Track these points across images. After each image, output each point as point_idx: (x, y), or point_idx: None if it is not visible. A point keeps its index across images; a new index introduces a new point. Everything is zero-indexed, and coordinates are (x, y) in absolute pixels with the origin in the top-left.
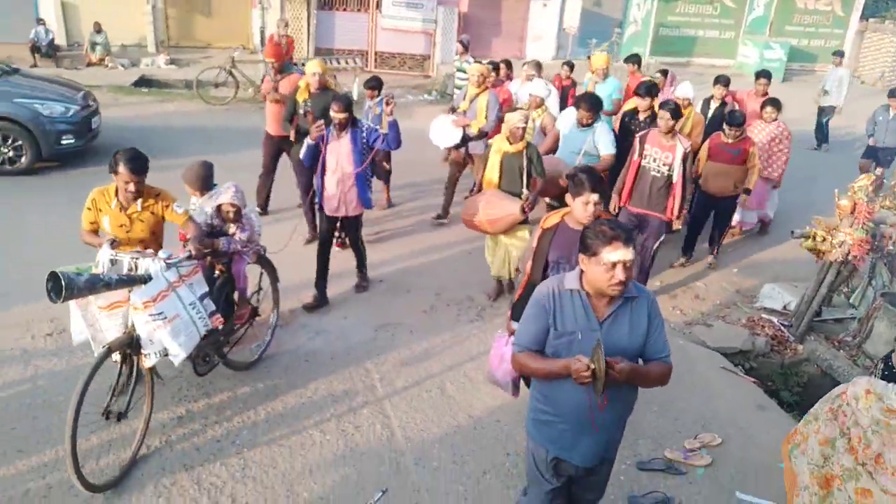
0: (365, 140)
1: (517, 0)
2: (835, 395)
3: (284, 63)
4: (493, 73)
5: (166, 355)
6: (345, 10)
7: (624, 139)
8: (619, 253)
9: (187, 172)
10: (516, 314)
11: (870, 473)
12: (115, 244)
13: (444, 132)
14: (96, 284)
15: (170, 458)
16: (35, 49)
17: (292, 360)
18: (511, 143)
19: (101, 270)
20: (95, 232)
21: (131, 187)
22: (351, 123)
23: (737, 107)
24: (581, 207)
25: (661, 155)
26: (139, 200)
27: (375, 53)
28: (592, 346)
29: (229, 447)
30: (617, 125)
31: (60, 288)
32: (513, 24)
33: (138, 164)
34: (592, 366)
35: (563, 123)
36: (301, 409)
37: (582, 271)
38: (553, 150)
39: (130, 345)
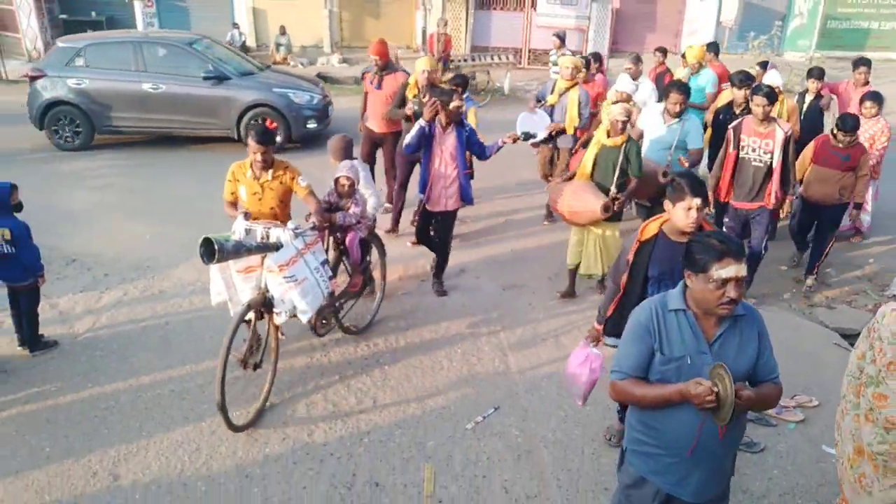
0: (467, 138)
1: None
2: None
3: (388, 62)
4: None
5: (294, 316)
6: (502, 9)
7: (721, 136)
8: (730, 269)
9: (331, 142)
10: (608, 328)
11: (884, 379)
12: (248, 216)
13: (531, 128)
14: (240, 249)
15: (328, 368)
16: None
17: (431, 304)
18: (609, 136)
19: (238, 238)
20: (234, 204)
21: (259, 157)
22: (458, 122)
23: (834, 100)
24: (682, 214)
25: (760, 143)
26: (270, 171)
27: (529, 51)
28: (709, 368)
29: (374, 364)
30: (710, 120)
31: (213, 251)
32: (668, 18)
33: (265, 137)
34: (715, 389)
35: (646, 120)
36: (434, 342)
37: (685, 288)
38: None
39: (264, 304)
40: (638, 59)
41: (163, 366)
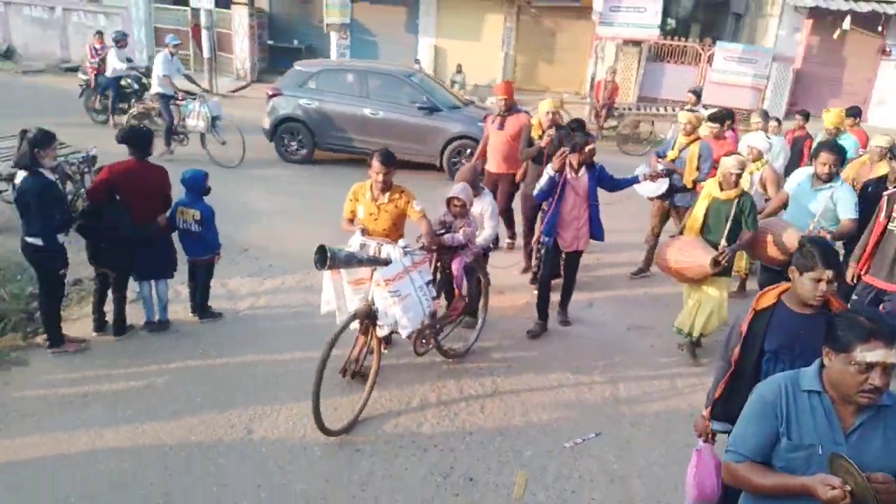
0: (598, 178)
1: (863, 58)
2: None
3: (513, 103)
4: (715, 125)
5: (395, 332)
6: (676, 62)
7: (867, 210)
8: (878, 353)
9: (460, 172)
10: (716, 410)
11: None
12: (364, 232)
13: (651, 193)
14: (351, 260)
15: (445, 373)
16: None
17: (552, 331)
18: (722, 189)
19: (351, 250)
20: (352, 221)
21: (380, 178)
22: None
23: None
24: (810, 286)
25: None
26: (387, 193)
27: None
28: (829, 458)
29: (487, 375)
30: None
31: (325, 258)
32: (855, 84)
33: (387, 158)
34: (847, 488)
35: (792, 184)
36: (548, 365)
37: (822, 367)
38: (775, 214)
39: (369, 315)
40: (766, 115)
41: (302, 347)
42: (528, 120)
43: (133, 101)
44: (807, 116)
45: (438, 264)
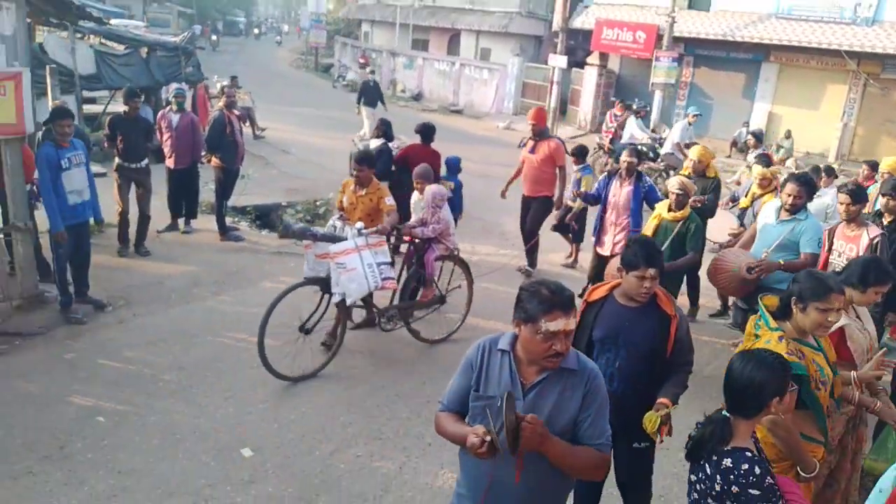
0: (644, 193)
1: None
2: None
3: (544, 129)
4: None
5: (344, 301)
6: None
7: None
8: (559, 322)
9: (417, 169)
10: None
11: None
12: (342, 217)
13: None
14: (305, 233)
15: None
16: (734, 144)
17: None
18: (670, 210)
19: (326, 230)
20: (342, 209)
21: (355, 173)
22: (637, 177)
23: None
24: (635, 283)
25: (845, 248)
26: (365, 189)
27: None
28: (503, 395)
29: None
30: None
31: (282, 228)
32: None
33: (360, 158)
34: (488, 438)
35: (763, 216)
36: None
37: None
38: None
39: (327, 283)
40: (829, 171)
41: None
42: (557, 145)
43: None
44: (874, 167)
45: (412, 253)
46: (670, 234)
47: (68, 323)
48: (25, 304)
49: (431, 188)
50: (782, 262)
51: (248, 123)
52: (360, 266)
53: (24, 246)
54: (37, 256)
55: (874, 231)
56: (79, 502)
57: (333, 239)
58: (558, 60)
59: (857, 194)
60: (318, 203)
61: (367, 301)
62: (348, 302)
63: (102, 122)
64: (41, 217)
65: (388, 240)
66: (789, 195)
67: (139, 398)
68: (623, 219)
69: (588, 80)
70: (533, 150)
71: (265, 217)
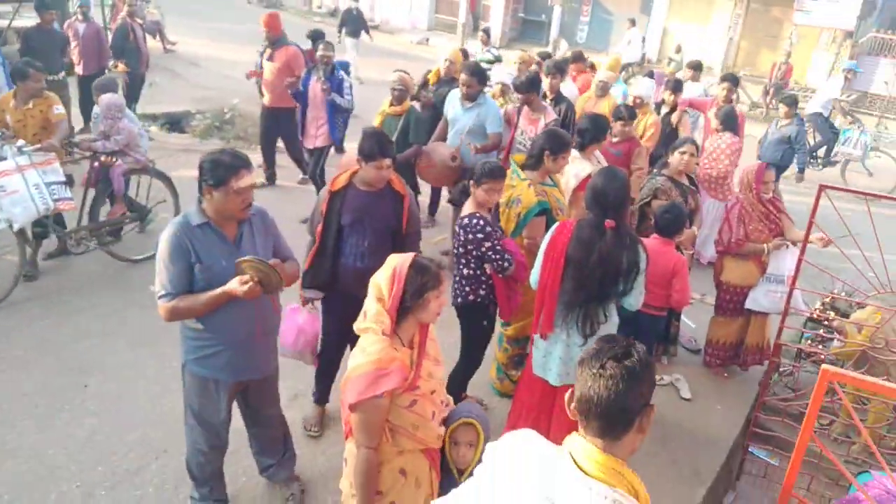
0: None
1: None
2: None
3: (279, 36)
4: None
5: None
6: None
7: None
8: (247, 180)
9: (96, 83)
10: (307, 281)
11: None
12: (4, 136)
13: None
14: None
15: None
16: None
17: None
18: (391, 105)
19: None
20: (6, 126)
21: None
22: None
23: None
24: (374, 173)
25: (527, 128)
26: (32, 100)
27: None
28: (237, 265)
29: None
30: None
31: None
32: None
33: (17, 71)
34: (255, 278)
35: (449, 106)
36: None
37: (200, 205)
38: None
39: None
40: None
41: None
42: (295, 51)
43: None
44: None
45: (96, 170)
46: (394, 128)
47: None
48: None
49: (104, 98)
50: (478, 146)
51: (157, 38)
52: (24, 187)
53: None
54: None
55: (551, 115)
56: None
57: None
58: None
59: (530, 85)
60: (225, 111)
61: (53, 225)
62: (15, 227)
63: (8, 37)
64: None
65: (63, 156)
66: (464, 84)
67: None
68: (321, 113)
69: None
70: (271, 59)
71: (176, 123)
